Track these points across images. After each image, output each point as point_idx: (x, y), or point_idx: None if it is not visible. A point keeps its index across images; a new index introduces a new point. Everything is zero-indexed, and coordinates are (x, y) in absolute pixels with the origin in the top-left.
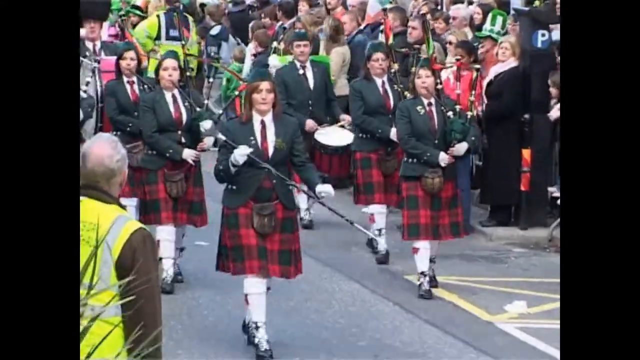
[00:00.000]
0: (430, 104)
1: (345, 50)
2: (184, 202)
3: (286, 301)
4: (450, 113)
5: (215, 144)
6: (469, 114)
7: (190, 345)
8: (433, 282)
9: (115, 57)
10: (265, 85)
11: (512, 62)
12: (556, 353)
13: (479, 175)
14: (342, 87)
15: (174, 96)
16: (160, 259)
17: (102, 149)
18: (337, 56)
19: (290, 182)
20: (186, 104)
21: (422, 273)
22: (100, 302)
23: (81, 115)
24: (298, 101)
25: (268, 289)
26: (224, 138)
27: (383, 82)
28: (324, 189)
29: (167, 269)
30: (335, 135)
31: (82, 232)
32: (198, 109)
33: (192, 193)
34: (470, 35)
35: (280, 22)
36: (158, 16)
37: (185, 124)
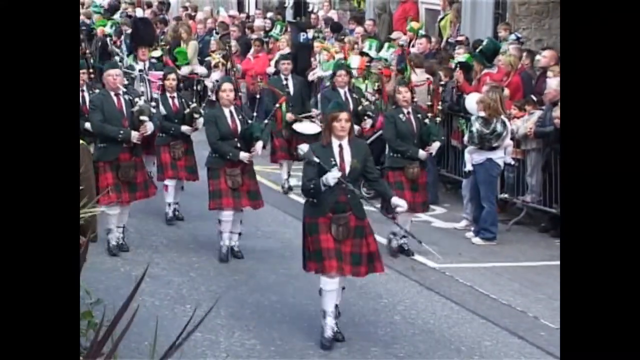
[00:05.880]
0: (409, 112)
1: (196, 44)
2: (242, 191)
3: None
4: (426, 120)
5: (264, 147)
6: (437, 119)
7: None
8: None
9: (159, 72)
10: (344, 115)
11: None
12: None
13: None
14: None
15: (230, 111)
16: (221, 232)
17: None
18: (192, 48)
19: (362, 194)
20: (240, 117)
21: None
22: None
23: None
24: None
25: (343, 288)
26: (317, 160)
27: (345, 92)
28: (398, 202)
29: (225, 240)
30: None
31: None
32: (250, 121)
33: (249, 184)
34: None
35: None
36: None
37: (240, 133)
